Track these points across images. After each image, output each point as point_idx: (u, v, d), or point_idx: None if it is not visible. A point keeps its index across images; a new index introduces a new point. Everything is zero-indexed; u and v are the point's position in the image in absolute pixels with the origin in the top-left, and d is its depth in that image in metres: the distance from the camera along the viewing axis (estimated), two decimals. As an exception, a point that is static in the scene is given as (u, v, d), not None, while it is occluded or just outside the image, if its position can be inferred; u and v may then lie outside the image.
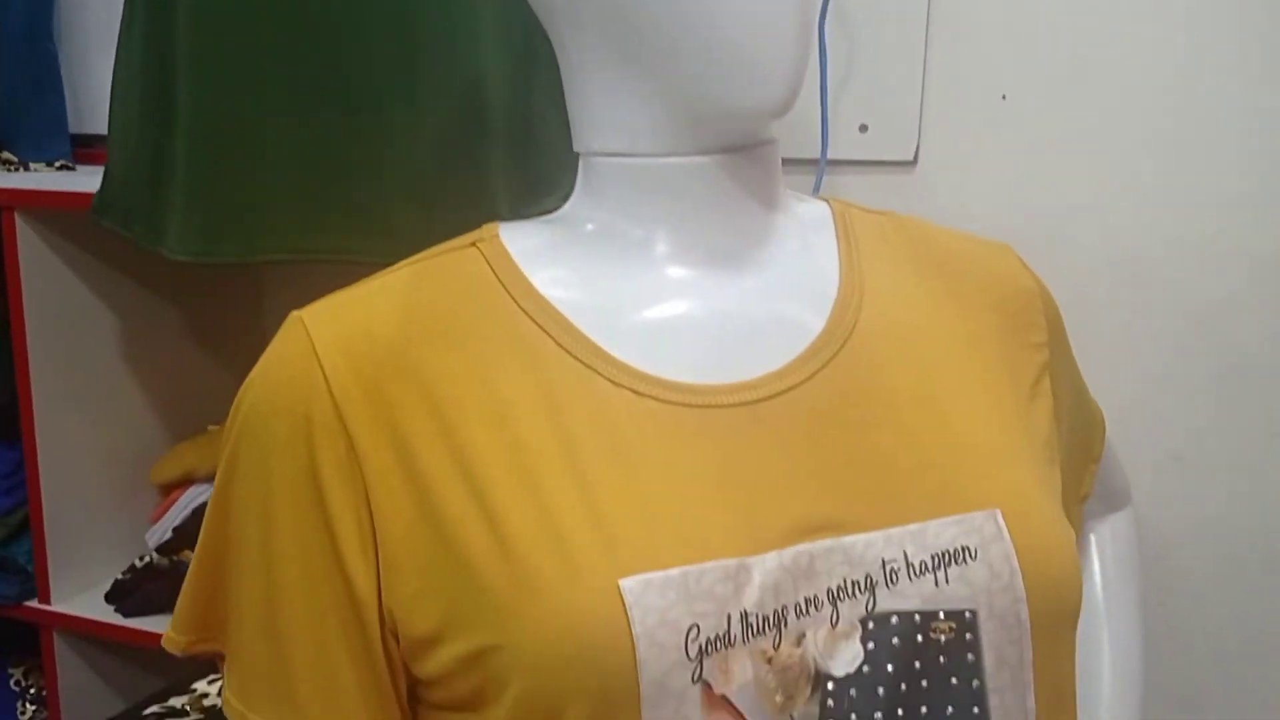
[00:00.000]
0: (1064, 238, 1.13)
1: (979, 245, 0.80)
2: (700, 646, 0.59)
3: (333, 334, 0.66)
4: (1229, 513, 1.15)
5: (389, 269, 0.71)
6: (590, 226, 0.71)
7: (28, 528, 1.28)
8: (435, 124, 0.91)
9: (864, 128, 1.17)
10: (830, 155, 1.16)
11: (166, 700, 0.96)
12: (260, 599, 0.65)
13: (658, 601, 0.59)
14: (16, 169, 1.37)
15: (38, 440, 1.19)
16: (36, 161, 1.37)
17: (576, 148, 0.73)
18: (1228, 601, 1.16)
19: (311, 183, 0.91)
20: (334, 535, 0.63)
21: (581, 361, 0.65)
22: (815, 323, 0.70)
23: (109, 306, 1.24)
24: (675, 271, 0.69)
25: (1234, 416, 1.14)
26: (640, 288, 0.69)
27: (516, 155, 0.91)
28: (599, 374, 0.65)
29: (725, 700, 0.59)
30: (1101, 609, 0.95)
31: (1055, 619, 0.65)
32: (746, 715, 0.60)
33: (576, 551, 0.60)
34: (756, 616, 0.60)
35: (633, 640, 0.58)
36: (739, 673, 0.60)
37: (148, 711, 0.94)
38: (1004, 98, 1.13)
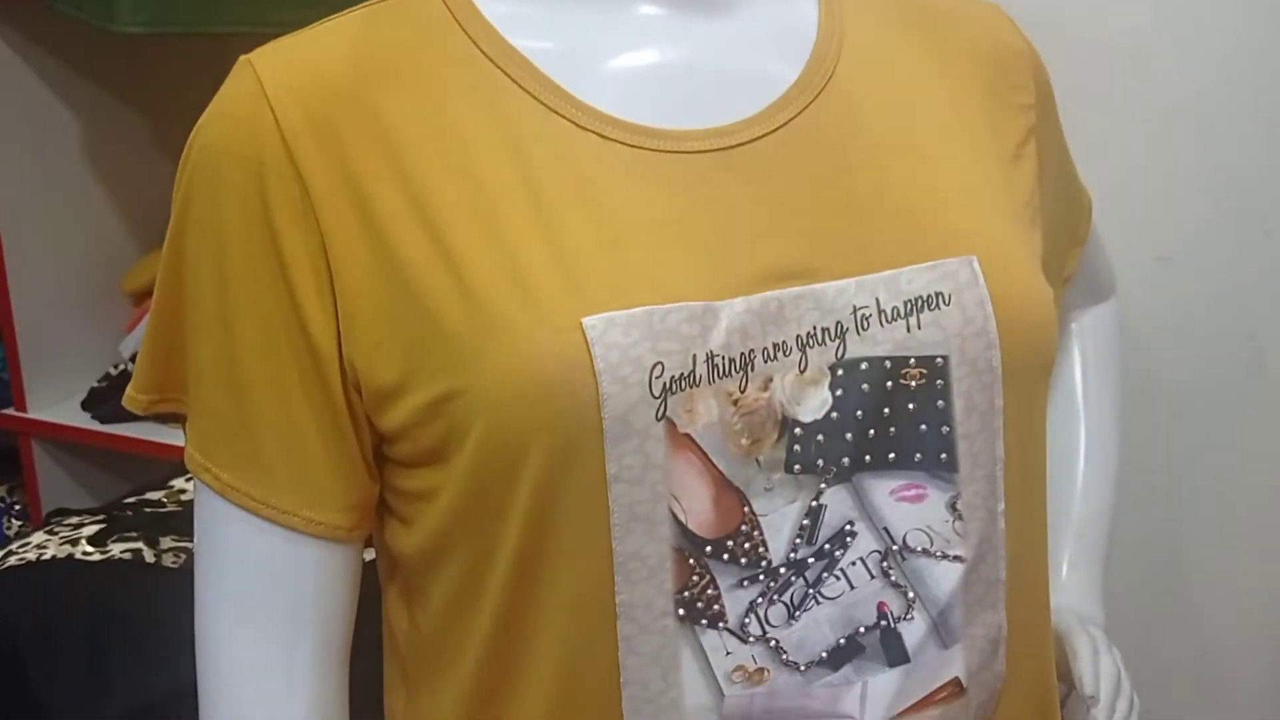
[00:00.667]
0: (1054, 22, 1.09)
1: (968, 3, 0.76)
2: (665, 384, 0.57)
3: (283, 75, 0.63)
4: (1215, 314, 1.14)
5: (342, 12, 0.67)
6: None
7: (1, 339, 1.26)
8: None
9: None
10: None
11: (143, 494, 0.96)
12: (218, 353, 0.64)
13: (621, 339, 0.57)
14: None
15: (5, 250, 1.16)
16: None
17: None
18: (1211, 403, 1.16)
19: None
20: (290, 285, 0.61)
21: (544, 104, 0.63)
22: (791, 70, 0.67)
23: (75, 113, 1.20)
24: (645, 11, 0.66)
25: (1224, 216, 1.12)
26: (607, 30, 0.66)
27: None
28: (563, 116, 0.62)
29: (689, 439, 0.58)
30: (1080, 399, 0.94)
31: (1028, 367, 0.64)
32: (710, 455, 0.59)
33: (538, 291, 0.58)
34: (723, 358, 0.59)
35: (595, 376, 0.56)
36: (704, 413, 0.59)
37: (127, 502, 0.94)
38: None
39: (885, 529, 0.62)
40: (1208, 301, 1.14)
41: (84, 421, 1.24)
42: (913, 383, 0.62)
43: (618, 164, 0.62)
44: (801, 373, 0.61)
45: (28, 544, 0.79)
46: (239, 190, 0.62)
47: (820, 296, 0.61)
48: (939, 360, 0.62)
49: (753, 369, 0.60)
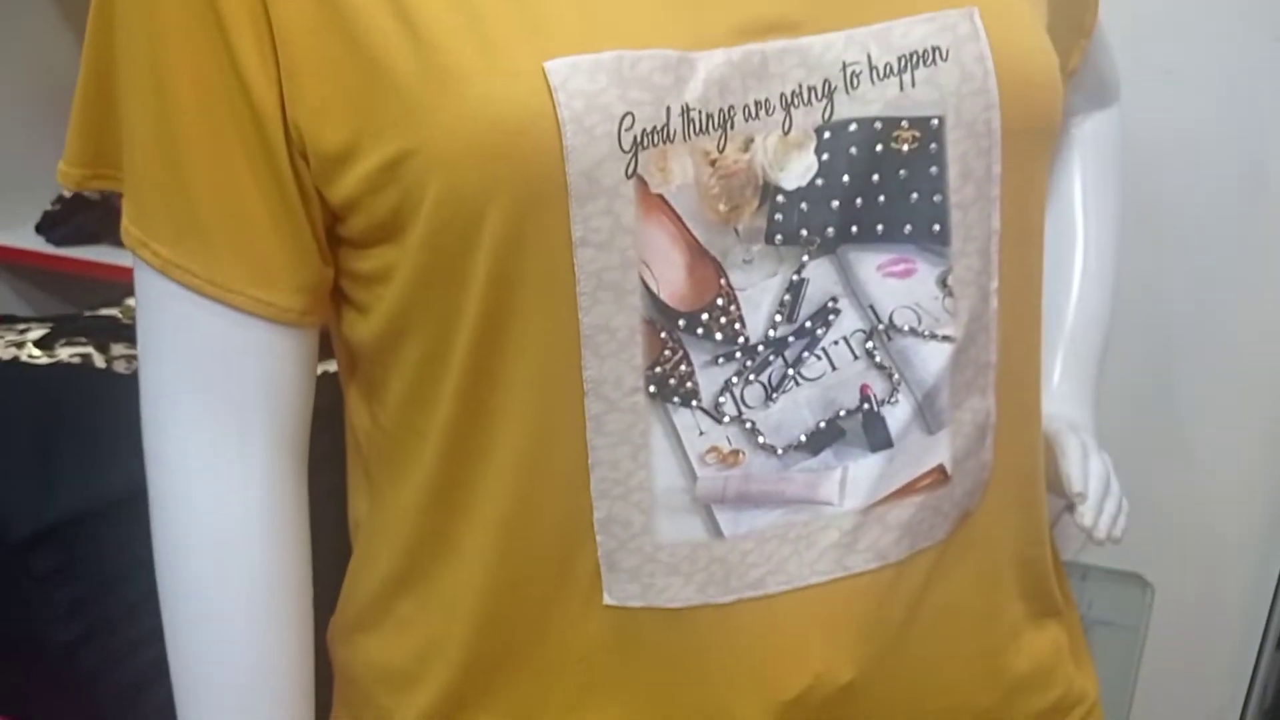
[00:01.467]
0: None
1: None
2: (635, 138, 0.53)
3: None
4: (1220, 128, 1.09)
5: None
6: None
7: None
8: None
9: None
10: None
11: (96, 310, 0.91)
12: (153, 118, 0.58)
13: (587, 85, 0.52)
14: None
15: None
16: None
17: None
18: (1214, 220, 1.11)
19: None
20: (227, 39, 0.56)
21: None
22: None
23: None
24: None
25: (1230, 27, 1.06)
26: None
27: None
28: None
29: (662, 200, 0.54)
30: (1078, 204, 0.89)
31: (1029, 131, 0.59)
32: (684, 218, 0.55)
33: (496, 34, 0.53)
34: (700, 113, 0.54)
35: (559, 125, 0.51)
36: (678, 172, 0.54)
37: (84, 314, 0.89)
38: None
39: (871, 306, 0.58)
40: (1213, 115, 1.09)
41: (38, 245, 1.19)
42: (905, 146, 0.57)
43: None
44: (785, 134, 0.56)
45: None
46: None
47: (807, 51, 0.56)
48: (934, 121, 0.57)
49: (732, 127, 0.55)
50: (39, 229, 1.21)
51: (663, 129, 0.53)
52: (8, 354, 0.74)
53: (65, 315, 0.91)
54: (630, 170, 0.53)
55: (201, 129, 0.57)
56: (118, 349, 0.82)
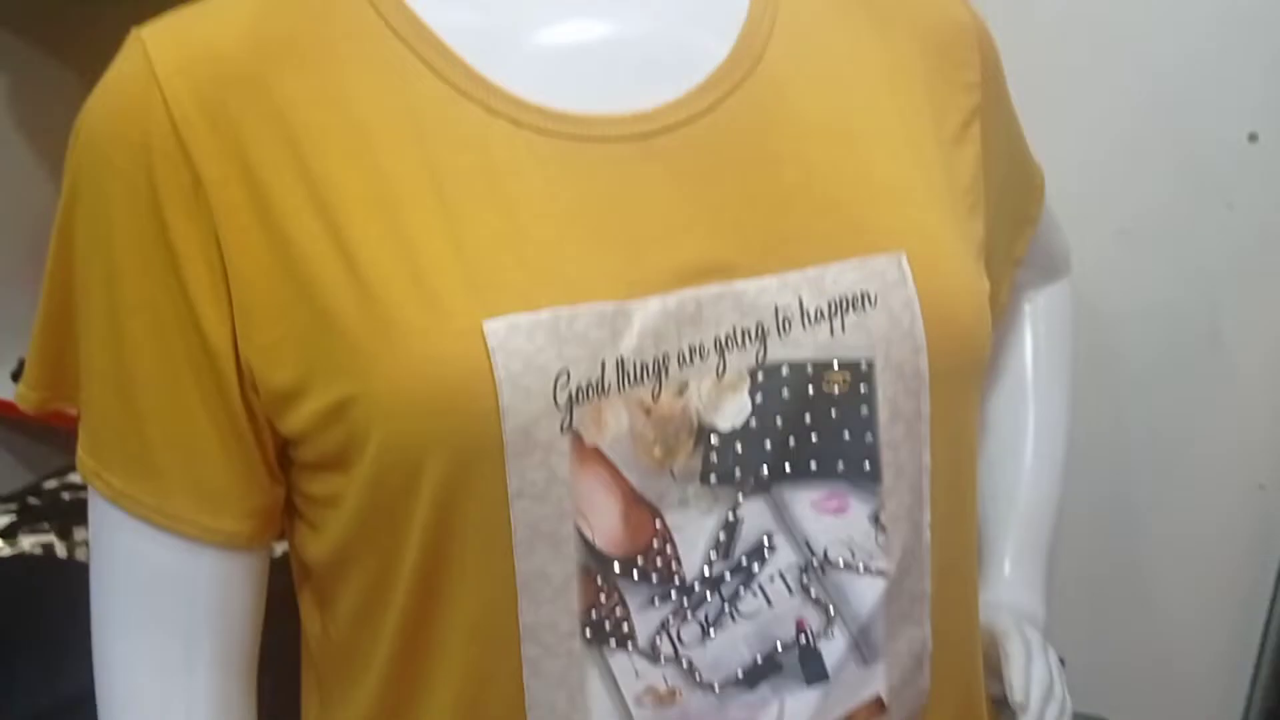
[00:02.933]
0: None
1: None
2: (570, 394, 0.54)
3: (174, 53, 0.58)
4: (1174, 288, 1.11)
5: None
6: None
7: (-74, 305, 1.22)
8: None
9: None
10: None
11: (65, 476, 0.92)
12: (108, 351, 0.60)
13: (524, 345, 0.54)
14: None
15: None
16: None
17: None
18: (1168, 378, 1.13)
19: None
20: (182, 278, 0.58)
21: (453, 86, 0.59)
22: (720, 48, 0.63)
23: (3, 69, 1.15)
24: None
25: (1184, 189, 1.08)
26: (523, 5, 0.61)
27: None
28: (472, 100, 0.58)
29: (597, 452, 0.55)
30: (1029, 381, 0.91)
31: (957, 371, 0.61)
32: (620, 468, 0.56)
33: (439, 291, 0.55)
34: (634, 364, 0.56)
35: (495, 385, 0.53)
36: (613, 423, 0.55)
37: (47, 486, 0.90)
38: None
39: (806, 542, 0.60)
40: (1166, 275, 1.11)
41: (13, 393, 1.20)
42: (835, 388, 0.59)
43: (529, 153, 0.58)
44: (719, 378, 0.57)
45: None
46: (126, 177, 0.58)
47: (740, 295, 0.58)
48: (863, 365, 0.59)
49: (666, 374, 0.56)
50: (15, 376, 1.22)
51: (598, 383, 0.55)
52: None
53: (33, 488, 0.92)
54: (565, 425, 0.54)
55: (155, 363, 0.59)
56: (80, 533, 0.83)
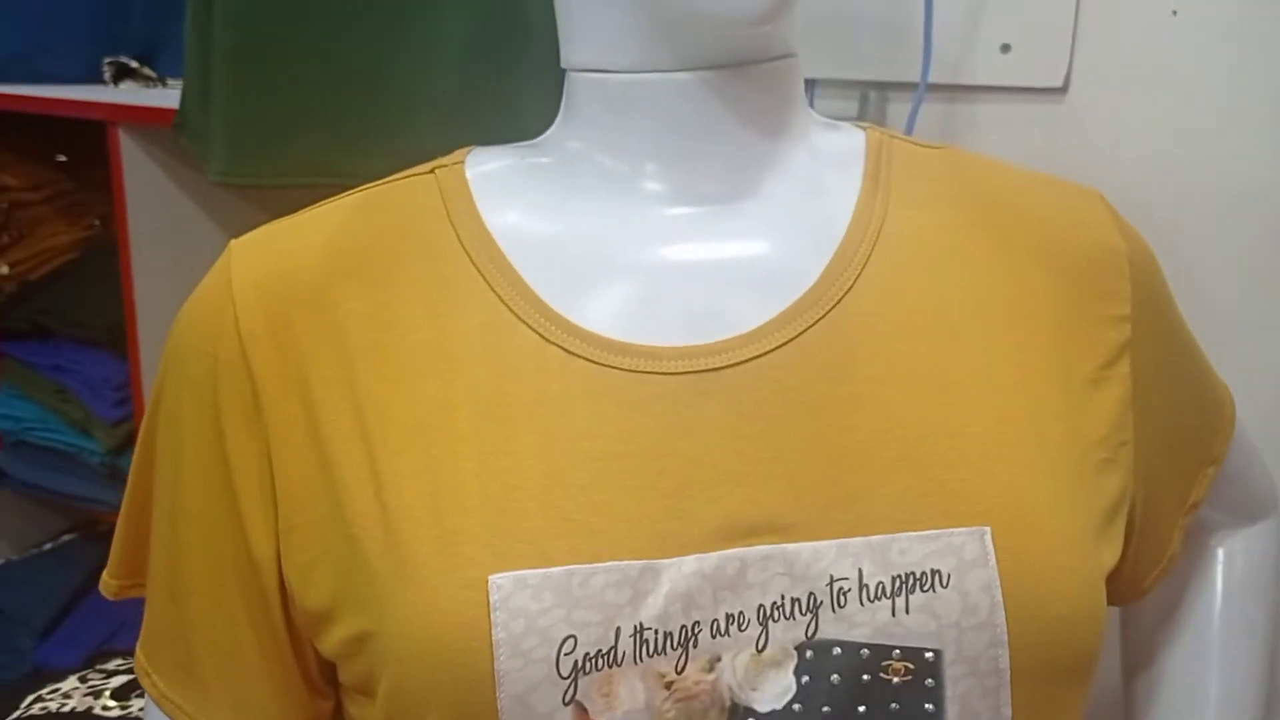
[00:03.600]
0: (1238, 184, 0.93)
1: (1056, 192, 0.64)
2: (576, 662, 0.50)
3: (254, 266, 0.59)
4: None
5: (341, 194, 0.64)
6: (563, 154, 0.62)
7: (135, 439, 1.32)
8: (465, 40, 0.83)
9: (1006, 47, 1.00)
10: (965, 80, 1.00)
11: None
12: (166, 554, 0.61)
13: (530, 605, 0.50)
14: (156, 85, 1.39)
15: (141, 354, 1.21)
16: (175, 79, 1.38)
17: (562, 63, 0.64)
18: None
19: (342, 103, 0.85)
20: (234, 490, 0.58)
21: (512, 310, 0.57)
22: (810, 272, 0.58)
23: (213, 220, 1.24)
24: (646, 211, 0.59)
25: None
26: (600, 228, 0.59)
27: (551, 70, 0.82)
28: (529, 326, 0.56)
29: (604, 728, 0.50)
30: (1214, 641, 0.78)
31: (1051, 671, 0.52)
32: None
33: (457, 534, 0.52)
34: (656, 632, 0.50)
35: (492, 648, 0.49)
36: (626, 697, 0.50)
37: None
38: (1174, 13, 0.94)
39: None
40: None
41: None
42: (895, 679, 0.51)
43: (579, 384, 0.55)
44: (759, 652, 0.51)
45: (58, 690, 0.79)
46: (197, 386, 0.59)
47: (793, 560, 0.52)
48: (929, 655, 0.51)
49: (695, 645, 0.51)
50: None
51: (609, 652, 0.50)
52: (83, 705, 0.78)
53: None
54: (568, 697, 0.50)
55: (205, 571, 0.59)
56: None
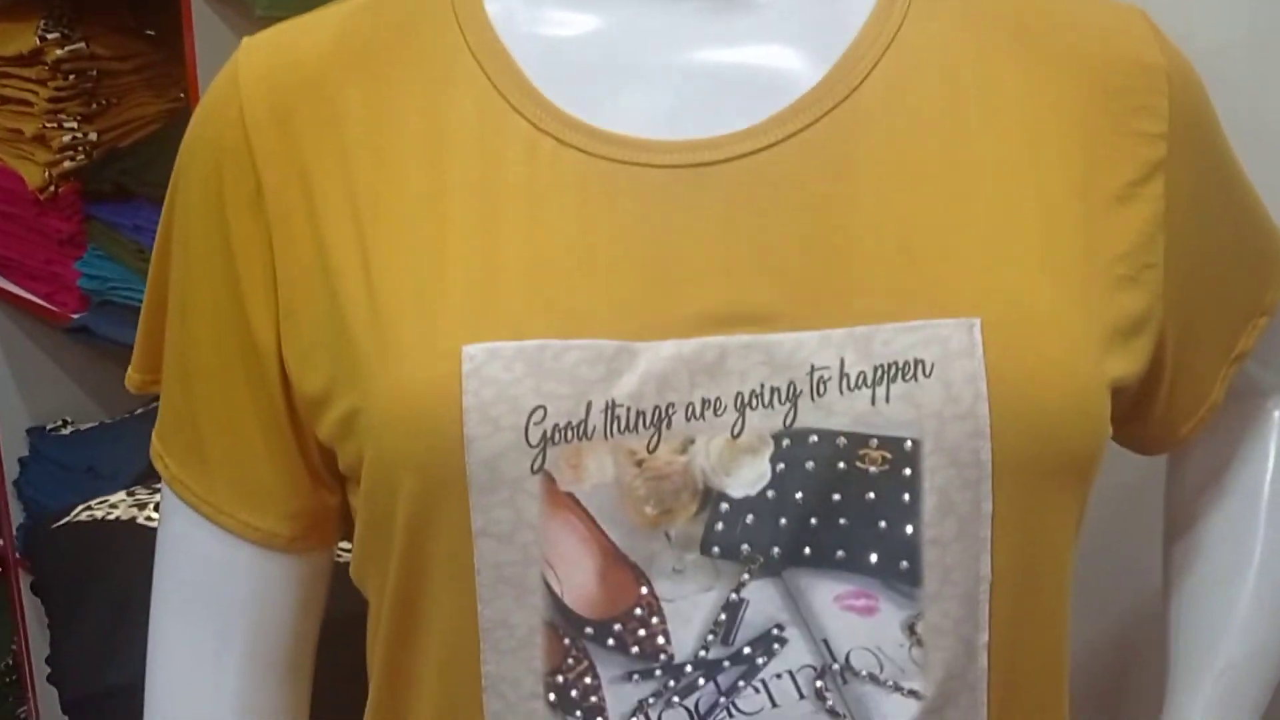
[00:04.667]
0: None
1: (1094, 7, 0.61)
2: (545, 432, 0.50)
3: (260, 61, 0.60)
4: None
5: None
6: None
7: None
8: None
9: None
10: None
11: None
12: (176, 339, 0.62)
13: (501, 374, 0.50)
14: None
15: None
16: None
17: None
18: None
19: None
20: (237, 277, 0.59)
21: (507, 99, 0.56)
22: (812, 74, 0.56)
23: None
24: (656, 8, 0.58)
25: None
26: (605, 24, 0.58)
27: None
28: (522, 115, 0.55)
29: (572, 499, 0.50)
30: (1264, 506, 0.73)
31: (1037, 468, 0.50)
32: (600, 521, 0.50)
33: (437, 311, 0.52)
34: (628, 410, 0.50)
35: (462, 413, 0.50)
36: (595, 471, 0.50)
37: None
38: None
39: (825, 641, 0.51)
40: None
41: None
42: (872, 468, 0.50)
43: (570, 173, 0.54)
44: (735, 437, 0.50)
45: (105, 501, 0.83)
46: (203, 178, 0.60)
47: (774, 349, 0.50)
48: (907, 444, 0.50)
49: (668, 426, 0.50)
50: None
51: (579, 425, 0.50)
52: (127, 514, 0.81)
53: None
54: (536, 465, 0.50)
55: (211, 355, 0.61)
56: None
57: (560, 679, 0.51)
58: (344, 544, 0.81)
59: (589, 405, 0.50)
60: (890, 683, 0.51)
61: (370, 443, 0.53)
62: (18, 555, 1.69)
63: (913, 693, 0.51)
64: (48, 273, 1.50)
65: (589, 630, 0.51)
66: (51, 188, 1.42)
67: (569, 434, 0.50)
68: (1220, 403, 0.68)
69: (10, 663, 1.85)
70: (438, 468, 0.50)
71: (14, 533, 1.70)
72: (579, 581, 0.51)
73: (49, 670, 0.79)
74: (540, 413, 0.49)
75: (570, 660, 0.51)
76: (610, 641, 0.51)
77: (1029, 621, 0.52)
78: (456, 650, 0.53)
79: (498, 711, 0.52)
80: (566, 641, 0.51)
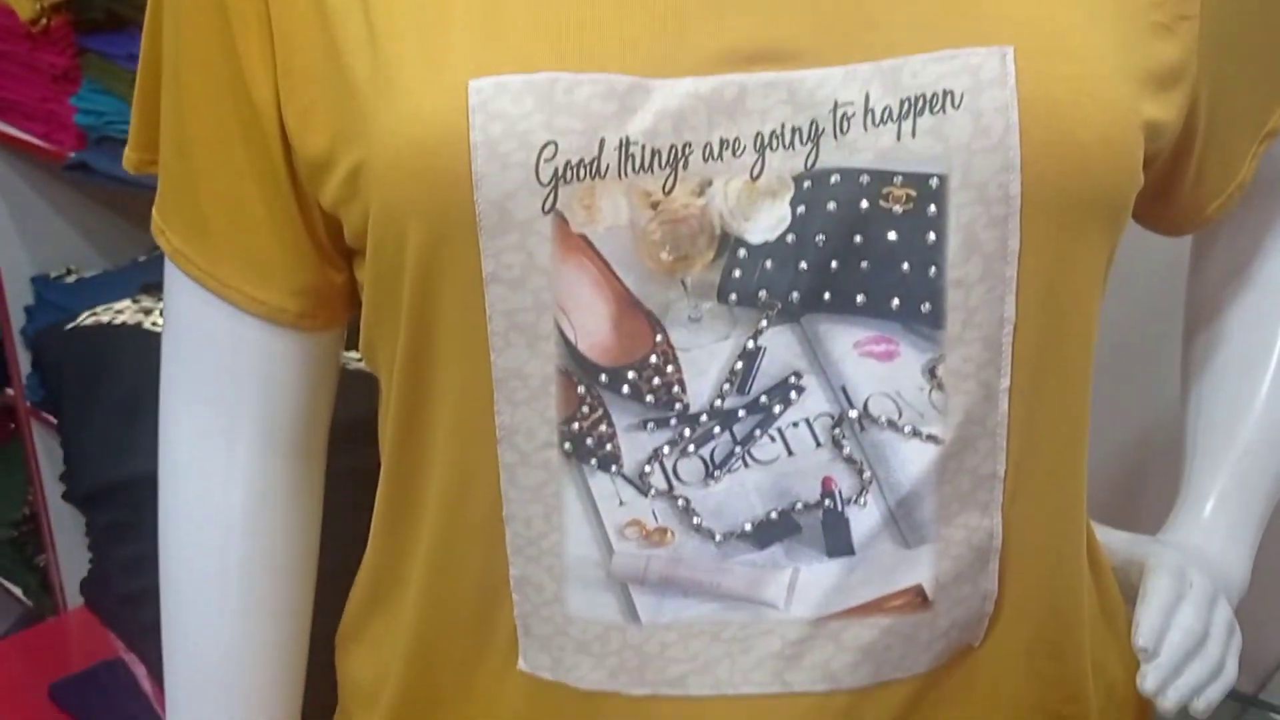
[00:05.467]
0: None
1: None
2: (556, 170, 0.48)
3: None
4: None
5: None
6: None
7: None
8: None
9: None
10: None
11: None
12: (172, 108, 0.60)
13: (510, 108, 0.48)
14: None
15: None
16: None
17: None
18: None
19: None
20: (232, 34, 0.56)
21: None
22: None
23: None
24: None
25: None
26: None
27: None
28: None
29: (585, 241, 0.49)
30: None
31: (1065, 202, 0.48)
32: (612, 263, 0.49)
33: (441, 48, 0.50)
34: (643, 148, 0.48)
35: (469, 150, 0.48)
36: (608, 212, 0.48)
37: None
38: None
39: (843, 388, 0.50)
40: None
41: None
42: (896, 206, 0.48)
43: None
44: (754, 179, 0.49)
45: (110, 308, 0.82)
46: None
47: (797, 87, 0.48)
48: (933, 180, 0.48)
49: (685, 166, 0.48)
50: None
51: (592, 163, 0.48)
52: (133, 319, 0.80)
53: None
54: (548, 205, 0.48)
55: (209, 120, 0.58)
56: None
57: (575, 427, 0.50)
58: (350, 352, 0.80)
59: (602, 142, 0.48)
60: (908, 428, 0.50)
61: (376, 195, 0.51)
62: (29, 404, 1.69)
63: (931, 438, 0.50)
64: (44, 111, 1.46)
65: (603, 378, 0.50)
66: (43, 20, 1.38)
67: (581, 172, 0.48)
68: (1248, 182, 0.65)
69: (27, 513, 1.87)
70: (445, 210, 0.49)
71: (23, 381, 1.70)
72: (592, 328, 0.50)
73: (63, 469, 0.79)
74: (551, 149, 0.48)
75: (585, 408, 0.50)
76: (625, 389, 0.50)
77: (1051, 369, 0.51)
78: (469, 406, 0.52)
79: (512, 464, 0.51)
80: (581, 389, 0.50)
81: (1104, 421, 0.68)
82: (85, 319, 0.82)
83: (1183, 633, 0.58)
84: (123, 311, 0.82)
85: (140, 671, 0.93)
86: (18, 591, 1.87)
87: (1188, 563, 0.63)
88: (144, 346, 0.82)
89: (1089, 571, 0.59)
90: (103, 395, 0.78)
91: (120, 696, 0.95)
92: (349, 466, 0.66)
